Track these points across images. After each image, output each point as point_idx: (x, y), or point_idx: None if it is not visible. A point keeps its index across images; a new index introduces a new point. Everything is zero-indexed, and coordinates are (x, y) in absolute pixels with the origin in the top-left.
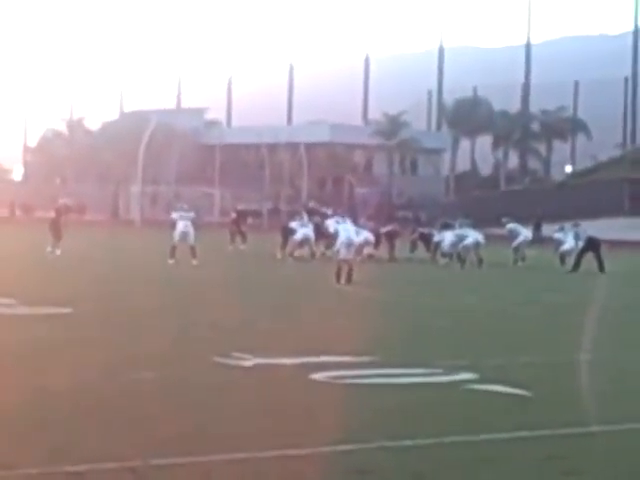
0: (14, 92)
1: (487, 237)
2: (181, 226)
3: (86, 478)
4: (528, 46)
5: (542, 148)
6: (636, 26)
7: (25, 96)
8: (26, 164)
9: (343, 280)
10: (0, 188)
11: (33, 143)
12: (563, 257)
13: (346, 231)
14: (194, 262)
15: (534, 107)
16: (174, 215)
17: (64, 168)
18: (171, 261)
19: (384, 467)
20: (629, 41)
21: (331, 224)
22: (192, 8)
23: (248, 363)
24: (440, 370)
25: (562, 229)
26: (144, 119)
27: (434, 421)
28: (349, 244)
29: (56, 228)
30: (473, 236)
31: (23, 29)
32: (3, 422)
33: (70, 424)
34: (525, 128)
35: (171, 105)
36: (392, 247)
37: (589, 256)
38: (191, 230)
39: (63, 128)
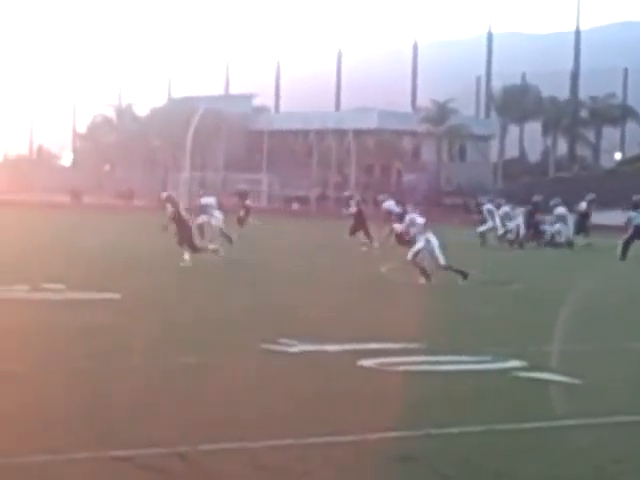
0: (63, 78)
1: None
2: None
3: (135, 463)
4: (577, 32)
5: (591, 135)
6: None
7: (74, 82)
8: (75, 150)
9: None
10: (49, 174)
11: (82, 129)
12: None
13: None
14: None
15: (583, 94)
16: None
17: (112, 154)
18: (212, 246)
19: (431, 454)
20: None
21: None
22: None
23: (294, 349)
24: (488, 357)
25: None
26: (192, 105)
27: (482, 408)
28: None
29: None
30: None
31: (72, 15)
32: (51, 407)
33: (117, 409)
34: (574, 115)
35: (219, 91)
36: None
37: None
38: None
39: (112, 114)
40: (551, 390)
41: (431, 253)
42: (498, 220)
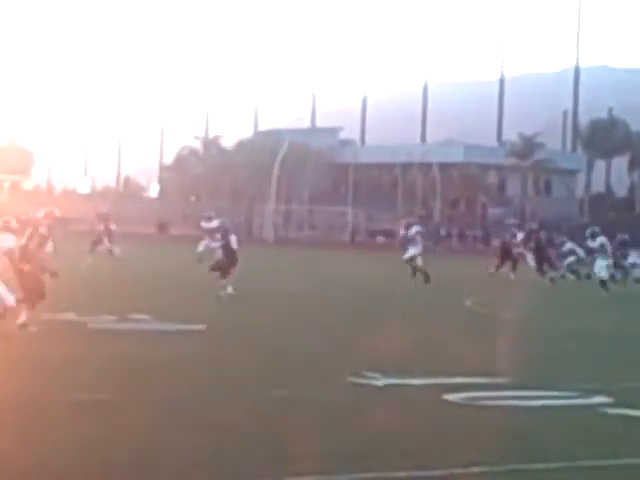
0: (151, 110)
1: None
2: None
3: None
4: None
5: None
6: None
7: (162, 114)
8: (162, 182)
9: None
10: (136, 206)
11: (169, 161)
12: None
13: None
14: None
15: None
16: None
17: (199, 186)
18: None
19: None
20: None
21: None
22: (327, 29)
23: (379, 383)
24: (574, 393)
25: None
26: (278, 138)
27: (567, 444)
28: None
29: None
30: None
31: (161, 47)
32: (133, 436)
33: (195, 441)
34: None
35: (305, 123)
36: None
37: None
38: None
39: (198, 146)
40: (638, 427)
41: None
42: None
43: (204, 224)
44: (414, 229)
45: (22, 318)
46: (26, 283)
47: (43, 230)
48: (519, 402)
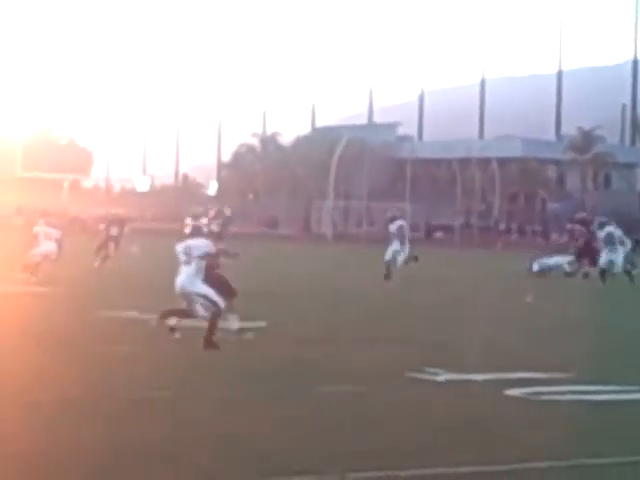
0: (209, 107)
1: None
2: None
3: None
4: None
5: None
6: None
7: (219, 111)
8: (220, 179)
9: None
10: (195, 203)
11: (226, 158)
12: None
13: None
14: None
15: None
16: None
17: (257, 183)
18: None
19: None
20: None
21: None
22: (384, 24)
23: (440, 378)
24: (637, 387)
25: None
26: (336, 134)
27: (631, 439)
28: None
29: None
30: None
31: (218, 46)
32: (193, 430)
33: (261, 437)
34: None
35: (362, 119)
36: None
37: None
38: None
39: (256, 143)
40: None
41: None
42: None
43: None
44: (397, 223)
45: (234, 325)
46: (214, 284)
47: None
48: (581, 397)
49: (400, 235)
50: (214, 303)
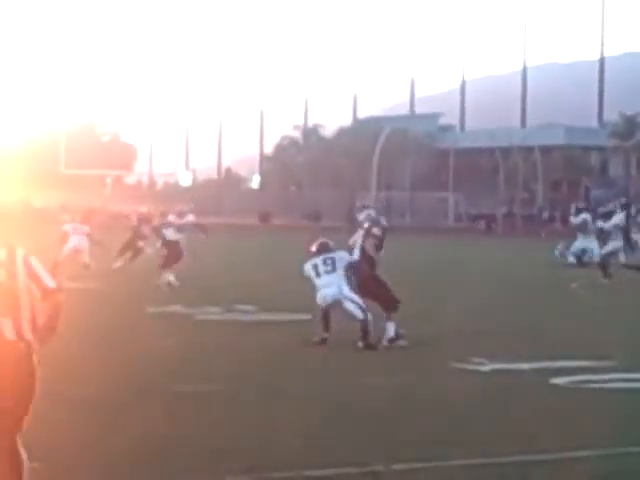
0: (249, 100)
1: None
2: None
3: None
4: None
5: None
6: None
7: (261, 103)
8: (262, 172)
9: None
10: (238, 197)
11: (270, 151)
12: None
13: None
14: None
15: None
16: None
17: (299, 175)
18: None
19: (630, 473)
20: None
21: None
22: (426, 13)
23: (486, 368)
24: None
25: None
26: (378, 125)
27: None
28: None
29: None
30: None
31: (259, 39)
32: (241, 421)
33: (308, 428)
34: None
35: (404, 109)
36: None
37: None
38: None
39: (298, 136)
40: None
41: None
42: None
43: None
44: (364, 213)
45: (390, 333)
46: (371, 292)
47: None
48: (627, 384)
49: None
50: (363, 308)
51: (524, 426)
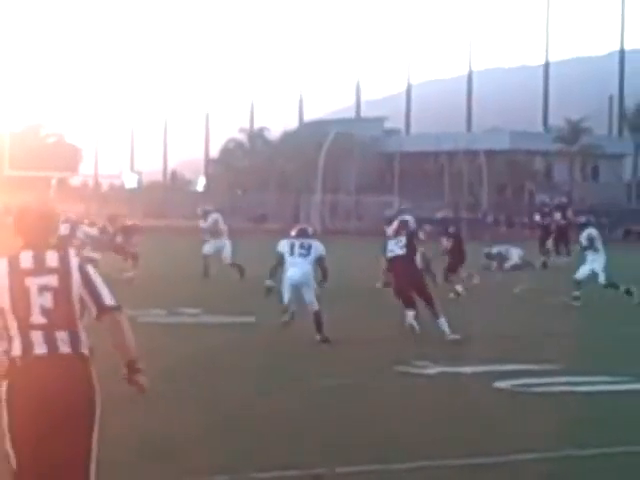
0: (194, 102)
1: None
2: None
3: None
4: None
5: None
6: None
7: (207, 106)
8: (208, 175)
9: None
10: (183, 199)
11: (214, 152)
12: None
13: None
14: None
15: None
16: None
17: (245, 179)
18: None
19: (570, 476)
20: None
21: None
22: (370, 17)
23: (431, 371)
24: (627, 378)
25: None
26: (324, 128)
27: (621, 429)
28: None
29: None
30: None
31: (207, 39)
32: (191, 429)
33: (253, 431)
34: None
35: (350, 112)
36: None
37: None
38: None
39: (244, 138)
40: None
41: None
42: None
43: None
44: (211, 217)
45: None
46: (424, 291)
47: None
48: (571, 388)
49: (214, 229)
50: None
51: (467, 429)
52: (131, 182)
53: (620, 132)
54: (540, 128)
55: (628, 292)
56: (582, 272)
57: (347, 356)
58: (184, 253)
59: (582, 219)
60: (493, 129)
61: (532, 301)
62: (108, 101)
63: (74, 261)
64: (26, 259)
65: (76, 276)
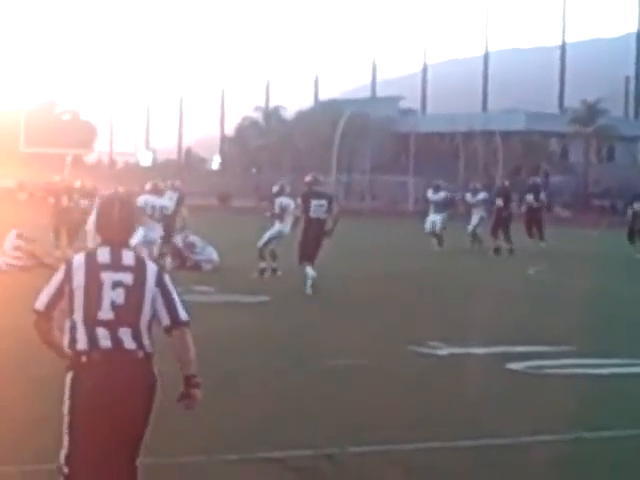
0: (211, 80)
1: None
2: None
3: (284, 464)
4: None
5: None
6: None
7: (222, 83)
8: (223, 154)
9: None
10: (198, 178)
11: (229, 131)
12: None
13: None
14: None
15: None
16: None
17: (260, 157)
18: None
19: (582, 458)
20: None
21: None
22: None
23: (443, 352)
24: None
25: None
26: (339, 108)
27: (633, 412)
28: None
29: None
30: None
31: (223, 18)
32: (198, 408)
33: (263, 411)
34: None
35: (365, 92)
36: None
37: None
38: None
39: (259, 117)
40: None
41: None
42: None
43: None
44: (167, 196)
45: None
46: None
47: None
48: (584, 370)
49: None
50: None
51: (479, 411)
52: (146, 160)
53: (636, 114)
54: (556, 109)
55: None
56: None
57: (361, 336)
58: (197, 231)
59: None
60: (509, 110)
61: (546, 283)
62: (123, 78)
63: (151, 265)
64: (103, 254)
65: (151, 281)
